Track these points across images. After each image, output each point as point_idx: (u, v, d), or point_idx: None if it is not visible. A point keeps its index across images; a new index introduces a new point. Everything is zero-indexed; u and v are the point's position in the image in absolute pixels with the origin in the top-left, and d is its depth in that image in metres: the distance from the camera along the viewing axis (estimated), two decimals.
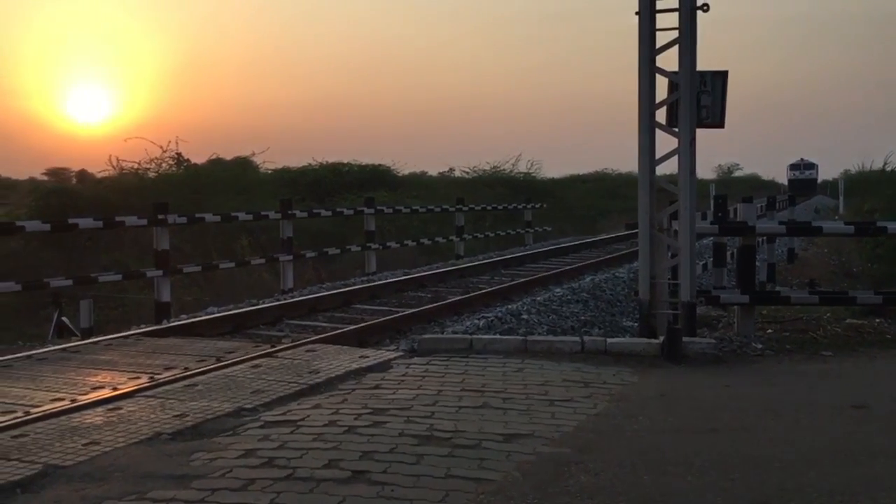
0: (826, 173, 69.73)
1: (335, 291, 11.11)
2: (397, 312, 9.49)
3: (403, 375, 5.74)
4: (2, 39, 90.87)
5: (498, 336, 7.46)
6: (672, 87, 7.03)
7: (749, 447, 4.24)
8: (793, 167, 67.55)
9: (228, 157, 26.45)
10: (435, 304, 10.04)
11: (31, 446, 4.13)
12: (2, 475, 3.71)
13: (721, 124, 7.30)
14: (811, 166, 67.01)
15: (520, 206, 22.28)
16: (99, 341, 7.36)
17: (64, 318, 10.02)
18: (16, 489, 3.59)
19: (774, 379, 6.02)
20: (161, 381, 5.60)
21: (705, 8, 6.85)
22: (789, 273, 15.11)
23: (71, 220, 10.02)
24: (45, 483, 3.66)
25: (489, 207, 21.39)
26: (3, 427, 4.48)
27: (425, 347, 6.64)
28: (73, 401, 5.08)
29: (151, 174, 21.37)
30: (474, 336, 7.00)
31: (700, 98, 7.06)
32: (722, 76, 7.27)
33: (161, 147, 21.71)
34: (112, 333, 8.07)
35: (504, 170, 34.38)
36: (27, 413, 4.78)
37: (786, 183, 66.65)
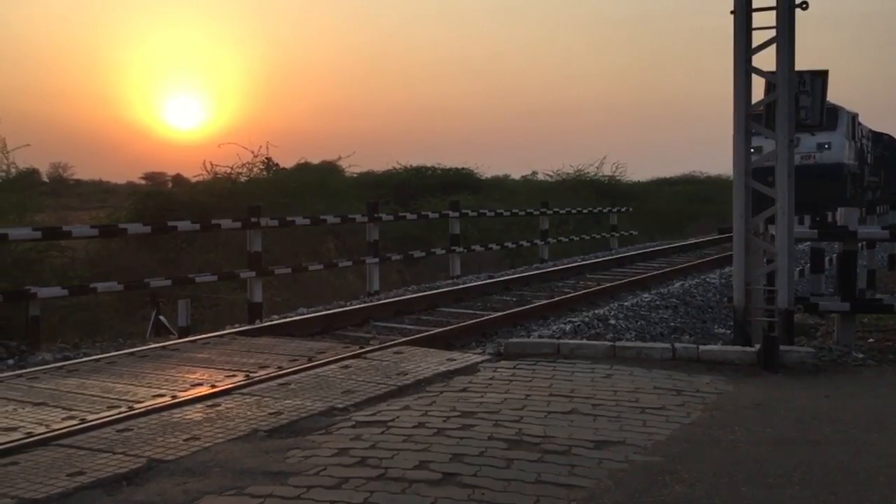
0: None
1: (421, 294, 11.20)
2: (483, 315, 9.50)
3: (491, 379, 5.74)
4: (108, 53, 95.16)
5: (585, 341, 7.37)
6: (769, 88, 6.84)
7: (852, 460, 4.08)
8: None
9: (315, 160, 27.00)
10: (520, 308, 10.01)
11: (135, 440, 4.29)
12: (108, 468, 3.87)
13: (821, 125, 7.06)
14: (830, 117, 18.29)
15: (605, 210, 22.00)
16: (196, 340, 7.62)
17: (161, 317, 10.39)
18: (121, 482, 3.73)
19: (877, 390, 5.77)
20: (256, 379, 5.75)
21: (804, 6, 6.64)
22: (890, 280, 14.48)
23: (170, 223, 10.40)
24: (149, 476, 3.79)
25: (573, 211, 21.20)
26: (108, 421, 4.67)
27: (512, 351, 6.63)
28: (174, 397, 5.26)
29: (243, 178, 21.94)
30: (561, 340, 6.94)
31: (799, 98, 6.84)
32: (822, 76, 7.04)
33: (252, 152, 22.26)
34: (207, 332, 8.34)
35: (588, 173, 34.01)
36: (131, 408, 4.98)
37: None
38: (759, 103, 6.88)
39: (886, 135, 34.06)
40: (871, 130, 29.75)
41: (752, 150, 6.51)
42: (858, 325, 7.73)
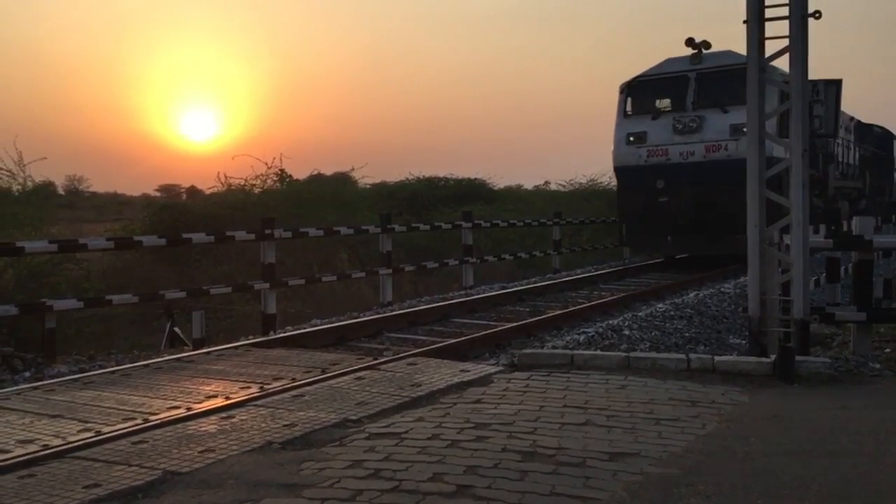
0: None
1: (434, 305, 11.19)
2: (496, 326, 9.48)
3: (504, 390, 5.72)
4: (123, 67, 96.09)
5: (599, 352, 7.35)
6: (782, 97, 6.81)
7: (870, 472, 4.04)
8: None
9: (328, 172, 27.15)
10: (534, 319, 9.98)
11: (151, 453, 4.31)
12: (124, 480, 3.88)
13: (834, 134, 7.04)
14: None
15: (618, 220, 21.93)
16: (211, 351, 7.64)
17: (176, 329, 10.44)
18: (137, 494, 3.74)
19: (894, 401, 5.72)
20: (270, 391, 5.76)
21: (817, 15, 6.62)
22: None
23: (185, 235, 10.45)
24: (164, 489, 3.80)
25: (586, 221, 21.17)
26: (124, 434, 4.69)
27: (525, 362, 6.61)
28: (189, 409, 5.28)
29: (256, 190, 22.07)
30: (575, 351, 6.92)
31: (812, 108, 6.82)
32: (835, 85, 7.02)
33: (266, 164, 22.43)
34: (221, 344, 8.36)
35: (601, 183, 33.89)
36: (146, 420, 5.00)
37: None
38: (772, 113, 6.86)
39: (877, 126, 25.00)
40: (853, 119, 21.38)
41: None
42: (875, 335, 7.67)
